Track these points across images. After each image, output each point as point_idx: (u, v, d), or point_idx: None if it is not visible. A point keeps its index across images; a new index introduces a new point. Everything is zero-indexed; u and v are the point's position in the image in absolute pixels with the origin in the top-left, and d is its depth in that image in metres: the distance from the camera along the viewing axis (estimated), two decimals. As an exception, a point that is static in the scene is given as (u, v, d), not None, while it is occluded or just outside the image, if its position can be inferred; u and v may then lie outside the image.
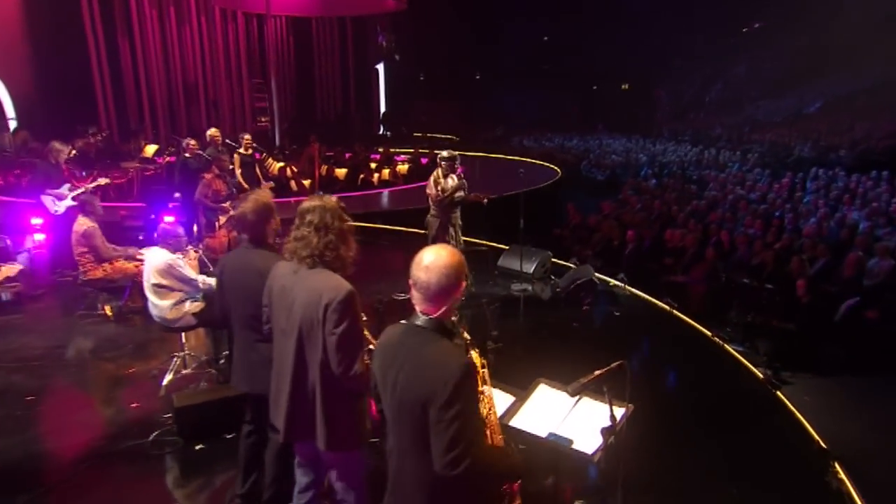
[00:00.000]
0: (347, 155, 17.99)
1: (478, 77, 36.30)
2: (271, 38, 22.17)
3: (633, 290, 8.56)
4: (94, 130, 14.60)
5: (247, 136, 10.32)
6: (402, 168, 17.32)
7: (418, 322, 2.57)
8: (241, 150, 10.26)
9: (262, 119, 21.85)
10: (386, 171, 16.37)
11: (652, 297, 8.31)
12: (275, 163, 15.58)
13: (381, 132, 27.17)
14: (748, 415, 5.61)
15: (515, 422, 3.27)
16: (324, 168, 15.69)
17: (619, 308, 8.03)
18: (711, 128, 28.99)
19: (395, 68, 29.07)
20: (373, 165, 17.15)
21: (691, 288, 9.22)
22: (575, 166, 22.31)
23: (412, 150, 19.58)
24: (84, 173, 10.41)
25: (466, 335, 2.77)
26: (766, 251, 9.26)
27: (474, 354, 2.74)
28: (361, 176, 16.18)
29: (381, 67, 29.23)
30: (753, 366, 6.48)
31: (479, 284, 8.39)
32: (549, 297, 8.17)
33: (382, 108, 29.53)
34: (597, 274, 8.72)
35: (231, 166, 8.96)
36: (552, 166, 19.77)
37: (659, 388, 5.92)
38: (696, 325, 7.52)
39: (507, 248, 9.21)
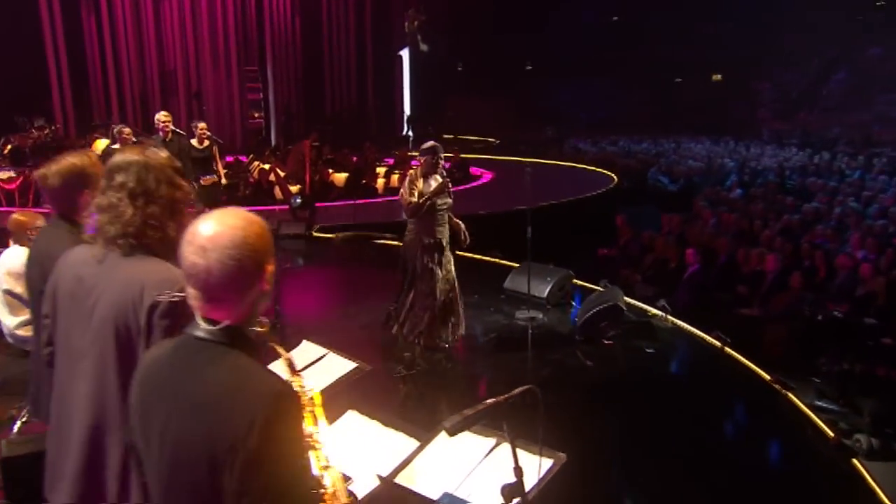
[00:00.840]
0: (355, 158, 17.73)
1: (528, 68, 35.92)
2: (271, 17, 22.24)
3: (678, 321, 8.12)
4: (42, 124, 14.66)
5: (201, 125, 10.10)
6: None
7: (198, 333, 2.07)
8: (195, 143, 10.03)
9: (256, 115, 21.99)
10: (396, 177, 16.07)
11: (704, 331, 7.82)
12: (259, 164, 15.43)
13: (404, 132, 26.96)
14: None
15: (404, 478, 2.95)
16: (321, 171, 15.47)
17: (653, 344, 7.59)
18: (828, 127, 28.29)
19: (426, 56, 28.78)
20: (381, 170, 16.86)
21: (767, 325, 8.75)
22: (641, 173, 21.83)
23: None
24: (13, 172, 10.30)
25: (282, 350, 2.30)
26: (876, 279, 9.01)
27: (295, 380, 2.27)
28: (364, 181, 15.91)
29: (405, 54, 28.99)
30: (846, 431, 5.98)
31: (476, 310, 8.04)
32: (568, 329, 7.85)
33: (407, 104, 29.35)
34: (632, 301, 8.23)
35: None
36: (608, 173, 19.31)
37: (686, 456, 5.40)
38: (756, 369, 6.95)
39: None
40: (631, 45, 32.47)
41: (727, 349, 7.29)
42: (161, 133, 9.56)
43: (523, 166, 7.65)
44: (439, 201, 6.33)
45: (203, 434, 1.98)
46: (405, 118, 28.27)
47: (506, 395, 2.37)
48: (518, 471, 2.33)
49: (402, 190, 6.31)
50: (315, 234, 11.76)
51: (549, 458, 2.70)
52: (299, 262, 10.73)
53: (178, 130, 9.78)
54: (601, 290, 8.20)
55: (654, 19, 31.94)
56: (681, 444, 5.47)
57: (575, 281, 8.97)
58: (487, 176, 18.81)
